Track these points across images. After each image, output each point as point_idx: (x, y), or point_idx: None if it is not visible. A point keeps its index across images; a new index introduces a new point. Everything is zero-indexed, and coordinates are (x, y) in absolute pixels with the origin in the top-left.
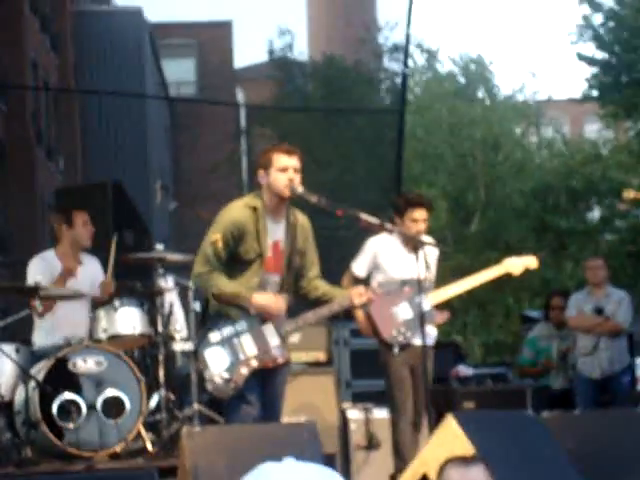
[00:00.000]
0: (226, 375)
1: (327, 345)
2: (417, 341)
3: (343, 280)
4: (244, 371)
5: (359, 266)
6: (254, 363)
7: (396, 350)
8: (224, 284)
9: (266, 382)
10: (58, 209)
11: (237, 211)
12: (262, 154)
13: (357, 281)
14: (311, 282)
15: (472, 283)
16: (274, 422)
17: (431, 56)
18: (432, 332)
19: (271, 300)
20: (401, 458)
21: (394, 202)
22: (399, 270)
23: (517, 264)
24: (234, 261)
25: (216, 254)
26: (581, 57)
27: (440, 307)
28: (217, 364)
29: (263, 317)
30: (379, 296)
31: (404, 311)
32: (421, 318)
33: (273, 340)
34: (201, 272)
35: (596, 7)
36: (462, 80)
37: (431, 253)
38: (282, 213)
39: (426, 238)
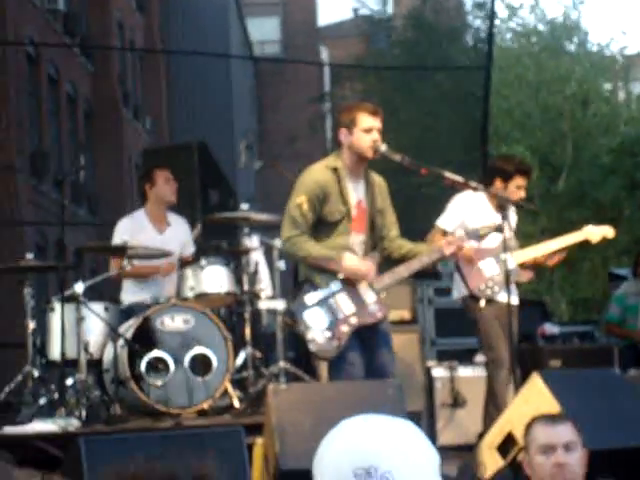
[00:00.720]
0: (328, 334)
1: (411, 303)
2: (502, 297)
3: (428, 238)
4: (345, 329)
5: (447, 222)
6: (353, 320)
7: (482, 303)
8: (313, 248)
9: (370, 344)
10: (143, 169)
11: (319, 173)
12: (345, 112)
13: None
14: (394, 241)
15: (553, 246)
16: (385, 378)
17: (513, 12)
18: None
19: (361, 264)
20: (499, 410)
21: (500, 166)
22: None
23: (595, 232)
24: (320, 223)
25: (303, 216)
26: None
27: (526, 267)
28: (318, 324)
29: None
30: (469, 246)
31: (490, 266)
32: (507, 275)
33: (369, 297)
34: (290, 236)
35: None
36: (547, 35)
37: (513, 217)
38: (361, 173)
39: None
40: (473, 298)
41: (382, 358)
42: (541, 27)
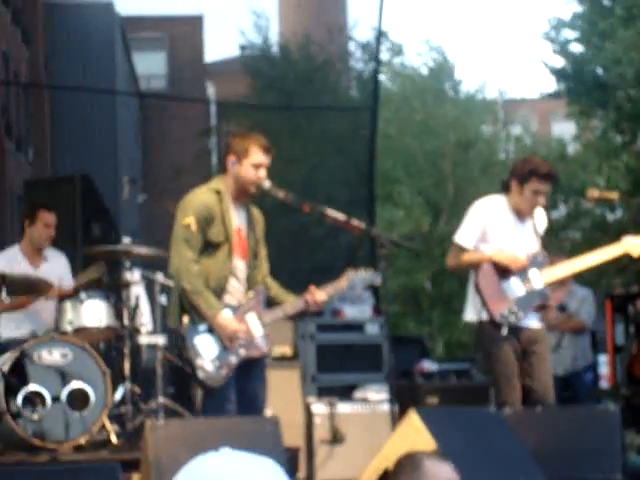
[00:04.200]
0: (217, 362)
1: (293, 339)
2: (528, 324)
3: (449, 258)
4: (233, 360)
5: (465, 237)
6: (242, 352)
7: (505, 331)
8: (198, 288)
9: (244, 376)
10: (27, 202)
11: (204, 195)
12: (239, 140)
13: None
14: (264, 278)
15: (590, 261)
16: (258, 414)
17: (395, 52)
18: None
19: (232, 325)
20: None
21: (516, 166)
22: (510, 241)
23: (637, 244)
24: (205, 245)
25: (193, 236)
26: (548, 65)
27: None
28: (207, 352)
29: (247, 307)
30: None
31: (515, 287)
32: (535, 297)
33: (257, 330)
34: (184, 259)
35: None
36: (428, 76)
37: (542, 223)
38: (243, 202)
39: (540, 212)
40: (493, 324)
41: (257, 391)
42: (423, 70)
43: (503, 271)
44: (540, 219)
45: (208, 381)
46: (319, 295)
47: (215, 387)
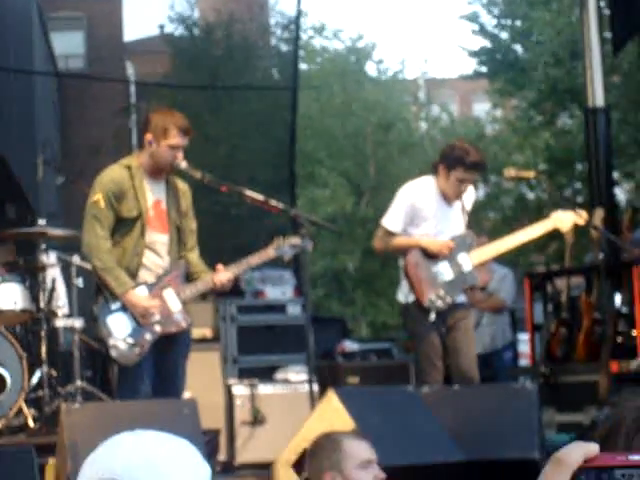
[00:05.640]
0: (130, 340)
1: (214, 321)
2: (456, 300)
3: (375, 241)
4: (148, 337)
5: (391, 221)
6: (157, 328)
7: (432, 316)
8: (108, 264)
9: (165, 351)
10: None
11: (114, 171)
12: (157, 118)
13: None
14: (187, 253)
15: (520, 239)
16: (176, 392)
17: (317, 31)
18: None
19: (145, 302)
20: None
21: (445, 151)
22: (438, 224)
23: (565, 219)
24: (118, 222)
25: (101, 213)
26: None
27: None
28: (120, 330)
29: (164, 283)
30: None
31: (443, 271)
32: (464, 280)
33: (174, 305)
34: (94, 235)
35: None
36: (348, 57)
37: (470, 201)
38: (162, 175)
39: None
40: (421, 308)
41: (176, 368)
42: (342, 50)
43: (431, 256)
44: (468, 199)
45: (121, 359)
46: (224, 275)
47: (129, 366)
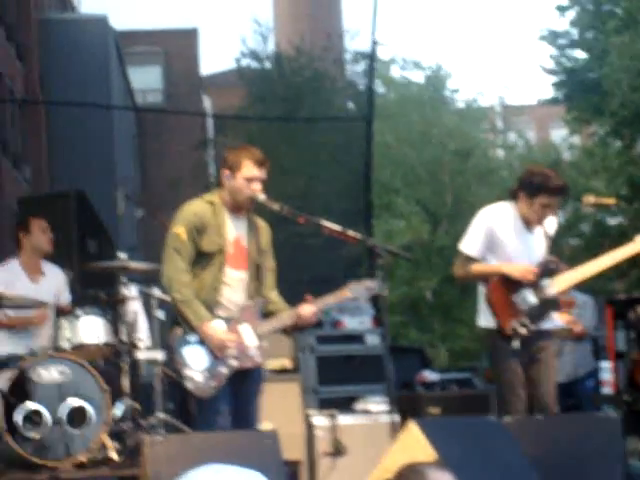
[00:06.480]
0: (207, 373)
1: (293, 352)
2: (540, 327)
3: (456, 268)
4: (224, 370)
5: (470, 245)
6: (233, 363)
7: (516, 344)
8: (188, 297)
9: (239, 386)
10: (18, 218)
11: (196, 205)
12: (232, 154)
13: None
14: (267, 291)
15: (605, 263)
16: (248, 427)
17: (386, 65)
18: (557, 320)
19: (222, 335)
20: None
21: (526, 178)
22: (518, 250)
23: None
24: (197, 255)
25: (183, 245)
26: (546, 69)
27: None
28: (196, 362)
29: (240, 318)
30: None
31: (527, 297)
32: (547, 306)
33: (251, 341)
34: (174, 269)
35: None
36: (425, 85)
37: (552, 228)
38: (243, 212)
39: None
40: (504, 336)
41: (249, 404)
42: (419, 78)
43: (514, 282)
44: (550, 224)
45: (197, 392)
46: (309, 307)
47: (205, 398)
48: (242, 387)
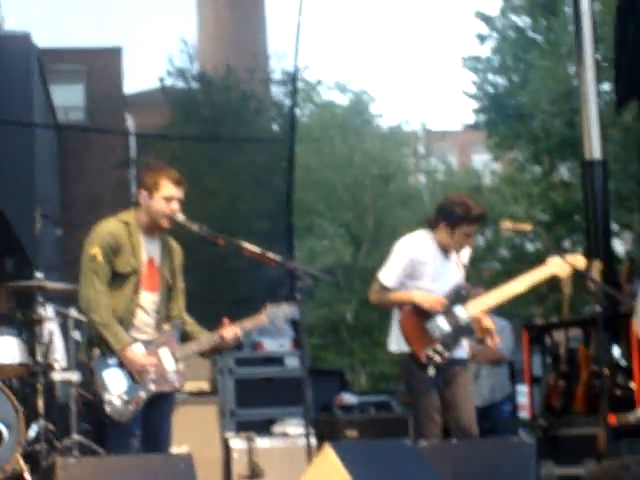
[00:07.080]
0: (126, 397)
1: (211, 374)
2: (455, 354)
3: (372, 294)
4: (143, 395)
5: (387, 275)
6: (152, 387)
7: (432, 372)
8: (107, 319)
9: (151, 410)
10: None
11: (111, 224)
12: (149, 175)
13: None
14: (181, 313)
15: (516, 288)
16: (159, 451)
17: (311, 87)
18: (466, 346)
19: (142, 359)
20: None
21: (445, 209)
22: (437, 277)
23: (563, 265)
24: (113, 275)
25: (99, 267)
26: (467, 93)
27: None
28: (116, 386)
29: (160, 342)
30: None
31: (441, 325)
32: (461, 333)
33: (169, 365)
34: (87, 297)
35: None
36: (348, 109)
37: (466, 254)
38: (156, 234)
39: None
40: (418, 363)
41: (161, 427)
42: (341, 101)
43: (425, 312)
44: (464, 251)
45: (115, 415)
46: (231, 330)
47: (123, 421)
48: (156, 409)
